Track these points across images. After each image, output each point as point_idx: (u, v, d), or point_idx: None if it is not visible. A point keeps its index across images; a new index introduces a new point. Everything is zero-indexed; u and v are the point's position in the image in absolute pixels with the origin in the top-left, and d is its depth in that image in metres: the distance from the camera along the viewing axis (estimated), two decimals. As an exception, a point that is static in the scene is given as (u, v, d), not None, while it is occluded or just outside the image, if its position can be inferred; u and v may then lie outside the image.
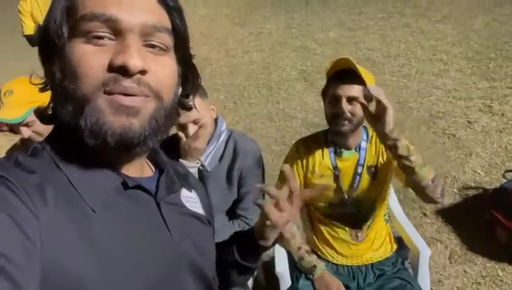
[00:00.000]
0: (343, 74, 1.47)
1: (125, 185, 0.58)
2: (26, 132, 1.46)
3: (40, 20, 3.10)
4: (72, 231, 0.50)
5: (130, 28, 0.53)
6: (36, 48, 0.58)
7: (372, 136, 1.60)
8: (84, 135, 0.53)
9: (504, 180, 2.35)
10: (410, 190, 1.43)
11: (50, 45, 0.55)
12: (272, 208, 0.71)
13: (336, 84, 1.48)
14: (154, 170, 0.69)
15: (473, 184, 2.74)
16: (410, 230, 1.75)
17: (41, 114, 0.62)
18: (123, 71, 0.52)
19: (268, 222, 0.72)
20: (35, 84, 0.61)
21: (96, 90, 0.52)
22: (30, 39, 3.24)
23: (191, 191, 0.72)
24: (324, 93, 1.57)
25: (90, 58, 0.52)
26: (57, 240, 0.48)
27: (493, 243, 2.24)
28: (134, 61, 0.52)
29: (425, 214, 2.58)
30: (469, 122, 3.43)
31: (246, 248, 0.78)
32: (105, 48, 0.53)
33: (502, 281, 2.07)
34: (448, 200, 2.65)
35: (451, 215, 2.54)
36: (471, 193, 2.67)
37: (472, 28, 5.10)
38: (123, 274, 0.52)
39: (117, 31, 0.53)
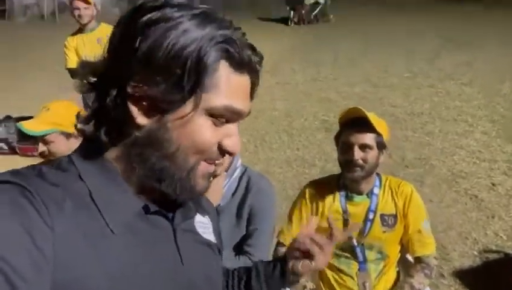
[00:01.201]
0: (356, 121, 1.51)
1: (146, 210, 0.59)
2: (41, 147, 1.55)
3: (83, 56, 3.35)
4: (87, 247, 0.51)
5: (242, 118, 0.60)
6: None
7: (385, 184, 1.60)
8: (168, 188, 0.57)
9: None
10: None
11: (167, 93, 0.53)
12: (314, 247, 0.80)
13: (348, 131, 1.52)
14: None
15: (494, 247, 2.62)
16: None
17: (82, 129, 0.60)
18: (226, 154, 0.59)
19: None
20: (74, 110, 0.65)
21: (200, 160, 0.58)
22: (72, 72, 3.47)
23: (205, 216, 0.73)
24: (337, 139, 1.60)
25: (209, 134, 0.56)
26: (70, 253, 0.50)
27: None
28: (239, 150, 0.60)
29: (442, 275, 2.46)
30: (493, 184, 3.34)
31: (272, 279, 0.84)
32: (219, 127, 0.57)
33: None
34: (467, 262, 2.53)
35: (470, 279, 2.41)
36: (491, 256, 2.55)
37: (499, 93, 5.10)
38: None
39: (233, 121, 0.59)
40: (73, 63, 3.42)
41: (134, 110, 0.53)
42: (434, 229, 1.75)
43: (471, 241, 2.72)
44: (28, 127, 1.54)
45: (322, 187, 1.66)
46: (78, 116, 0.60)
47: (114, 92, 0.53)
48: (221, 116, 0.55)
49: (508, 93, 5.05)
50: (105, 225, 0.54)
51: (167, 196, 0.59)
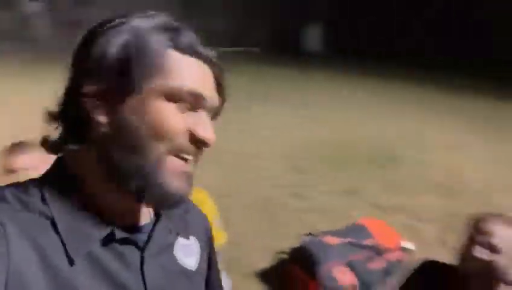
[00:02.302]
0: None
1: (111, 237, 0.55)
2: None
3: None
4: (44, 278, 0.50)
5: (210, 108, 0.57)
6: None
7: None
8: (140, 194, 0.54)
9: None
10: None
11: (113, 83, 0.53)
12: None
13: None
14: (152, 215, 0.65)
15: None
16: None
17: (48, 143, 0.59)
18: (200, 144, 0.56)
19: None
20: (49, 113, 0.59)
21: (169, 152, 0.54)
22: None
23: (188, 239, 0.68)
24: None
25: (172, 119, 0.53)
26: (25, 280, 0.48)
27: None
28: (213, 139, 0.56)
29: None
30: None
31: None
32: (187, 114, 0.55)
33: None
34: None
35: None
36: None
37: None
38: None
39: (197, 107, 0.56)
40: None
41: (91, 109, 0.54)
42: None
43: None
44: None
45: None
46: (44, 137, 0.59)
47: (71, 99, 0.55)
48: (182, 100, 0.54)
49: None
50: (65, 254, 0.52)
51: (139, 209, 0.60)
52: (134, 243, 0.58)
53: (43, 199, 0.54)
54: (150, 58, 0.53)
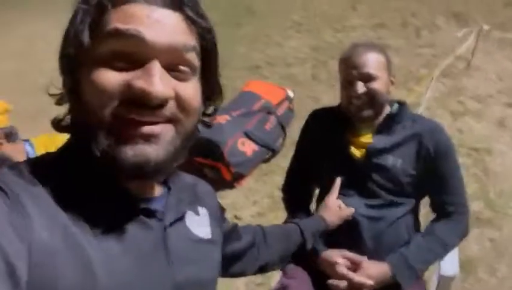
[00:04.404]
0: None
1: (133, 208, 0.55)
2: None
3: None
4: (67, 251, 0.47)
5: (156, 50, 0.49)
6: None
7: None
8: (96, 162, 0.49)
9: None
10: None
11: (70, 56, 0.51)
12: None
13: None
14: (163, 187, 0.64)
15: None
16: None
17: (57, 124, 0.56)
18: (142, 101, 0.48)
19: None
20: (53, 95, 0.56)
21: (111, 116, 0.49)
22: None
23: (198, 209, 0.69)
24: None
25: (108, 81, 0.48)
26: (49, 260, 0.45)
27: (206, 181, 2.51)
28: (156, 90, 0.48)
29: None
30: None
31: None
32: (125, 72, 0.49)
33: (223, 204, 2.40)
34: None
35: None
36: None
37: None
38: None
39: (140, 54, 0.49)
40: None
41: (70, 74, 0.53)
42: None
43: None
44: None
45: None
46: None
47: (69, 72, 0.52)
48: (117, 57, 0.49)
49: None
50: (87, 228, 0.50)
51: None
52: (154, 214, 0.58)
53: (62, 172, 0.52)
54: (99, 19, 0.50)
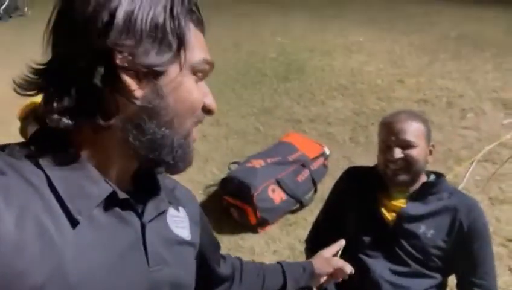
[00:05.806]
0: None
1: (113, 198, 0.53)
2: None
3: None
4: (34, 244, 0.45)
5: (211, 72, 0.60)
6: None
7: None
8: (167, 156, 0.56)
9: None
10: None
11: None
12: None
13: None
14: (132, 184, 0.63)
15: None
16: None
17: (35, 114, 0.55)
18: (208, 114, 0.59)
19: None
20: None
21: (194, 123, 0.58)
22: None
23: (178, 210, 0.68)
24: None
25: (196, 93, 0.56)
26: (18, 244, 0.44)
27: (231, 221, 2.60)
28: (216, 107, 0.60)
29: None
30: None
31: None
32: (197, 86, 0.57)
33: (242, 247, 2.45)
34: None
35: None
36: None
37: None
38: None
39: (206, 76, 0.59)
40: None
41: (130, 82, 0.50)
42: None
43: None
44: None
45: None
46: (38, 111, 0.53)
47: (102, 70, 0.49)
48: (200, 72, 0.57)
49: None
50: (63, 217, 0.48)
51: (151, 170, 0.63)
52: (134, 208, 0.56)
53: (37, 164, 0.50)
54: (183, 31, 0.53)
